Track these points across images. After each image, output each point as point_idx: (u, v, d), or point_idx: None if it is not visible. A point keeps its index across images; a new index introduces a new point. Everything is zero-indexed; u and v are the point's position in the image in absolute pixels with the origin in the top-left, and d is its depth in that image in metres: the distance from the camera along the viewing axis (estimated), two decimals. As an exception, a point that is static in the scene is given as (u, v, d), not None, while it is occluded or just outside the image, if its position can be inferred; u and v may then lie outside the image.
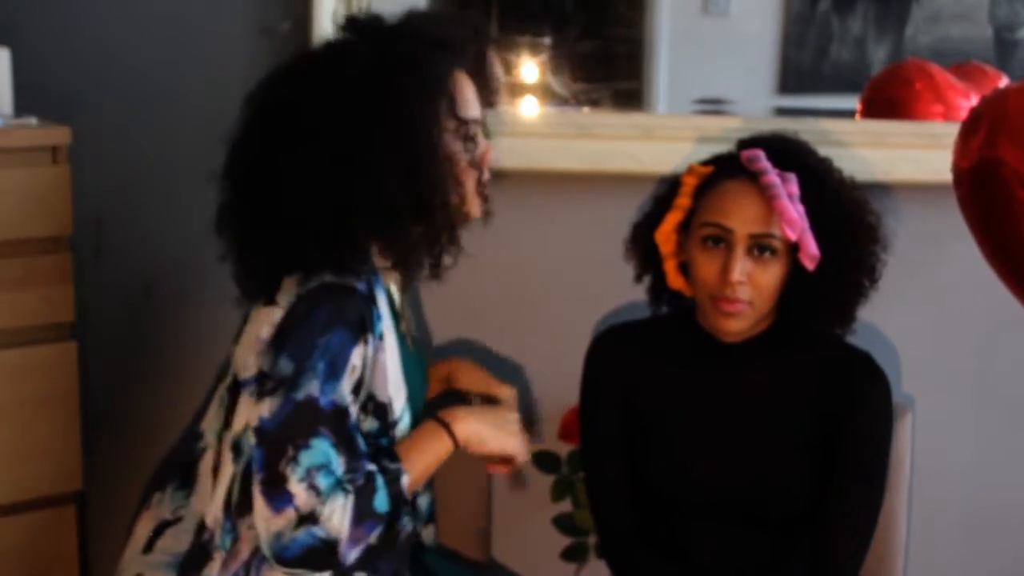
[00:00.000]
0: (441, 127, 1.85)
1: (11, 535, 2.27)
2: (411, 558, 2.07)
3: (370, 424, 1.88)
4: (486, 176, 1.94)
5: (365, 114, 1.80)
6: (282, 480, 1.75)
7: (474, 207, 1.94)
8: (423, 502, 2.01)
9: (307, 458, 1.75)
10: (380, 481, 1.80)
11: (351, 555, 1.78)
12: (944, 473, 2.51)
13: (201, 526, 1.89)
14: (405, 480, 1.83)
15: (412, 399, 1.94)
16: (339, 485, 1.77)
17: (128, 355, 2.61)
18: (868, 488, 2.02)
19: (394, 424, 1.90)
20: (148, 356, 2.61)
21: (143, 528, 1.95)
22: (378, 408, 1.88)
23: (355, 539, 1.78)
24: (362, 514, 1.78)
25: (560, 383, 2.22)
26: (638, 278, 2.11)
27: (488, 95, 1.99)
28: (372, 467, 1.82)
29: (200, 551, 1.88)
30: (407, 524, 1.87)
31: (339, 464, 1.77)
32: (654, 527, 2.09)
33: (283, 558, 1.76)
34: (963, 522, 2.56)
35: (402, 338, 1.97)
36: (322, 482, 1.75)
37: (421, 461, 1.88)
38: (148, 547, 1.93)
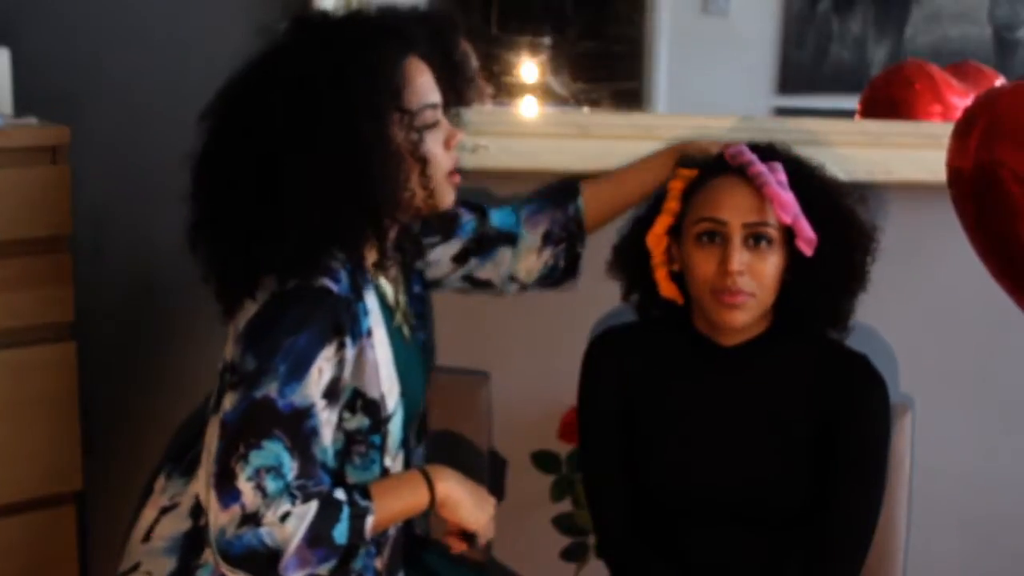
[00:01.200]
0: (385, 122, 1.81)
1: (11, 535, 2.27)
2: (411, 558, 2.07)
3: (359, 421, 1.88)
4: (453, 161, 1.91)
5: (305, 118, 1.78)
6: (232, 476, 1.74)
7: (446, 196, 1.91)
8: None
9: (257, 458, 1.74)
10: (345, 513, 1.78)
11: (292, 573, 1.76)
12: (944, 473, 2.51)
13: (198, 508, 1.89)
14: (370, 520, 1.81)
15: (407, 394, 1.93)
16: (287, 490, 1.75)
17: (128, 355, 2.61)
18: (867, 490, 2.02)
19: (387, 419, 1.89)
20: (148, 356, 2.61)
21: (147, 516, 1.96)
22: (368, 405, 1.87)
23: (302, 559, 1.75)
24: (318, 536, 1.76)
25: (559, 383, 2.22)
26: (626, 296, 2.11)
27: (461, 83, 1.97)
28: (342, 496, 1.80)
29: (198, 535, 1.89)
30: (361, 568, 1.87)
31: (291, 469, 1.76)
32: (652, 528, 2.09)
33: (225, 554, 1.75)
34: (963, 522, 2.55)
35: (396, 333, 1.96)
36: (270, 484, 1.74)
37: (393, 507, 1.85)
38: (147, 535, 1.94)
